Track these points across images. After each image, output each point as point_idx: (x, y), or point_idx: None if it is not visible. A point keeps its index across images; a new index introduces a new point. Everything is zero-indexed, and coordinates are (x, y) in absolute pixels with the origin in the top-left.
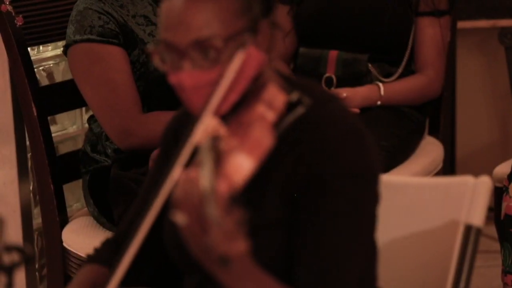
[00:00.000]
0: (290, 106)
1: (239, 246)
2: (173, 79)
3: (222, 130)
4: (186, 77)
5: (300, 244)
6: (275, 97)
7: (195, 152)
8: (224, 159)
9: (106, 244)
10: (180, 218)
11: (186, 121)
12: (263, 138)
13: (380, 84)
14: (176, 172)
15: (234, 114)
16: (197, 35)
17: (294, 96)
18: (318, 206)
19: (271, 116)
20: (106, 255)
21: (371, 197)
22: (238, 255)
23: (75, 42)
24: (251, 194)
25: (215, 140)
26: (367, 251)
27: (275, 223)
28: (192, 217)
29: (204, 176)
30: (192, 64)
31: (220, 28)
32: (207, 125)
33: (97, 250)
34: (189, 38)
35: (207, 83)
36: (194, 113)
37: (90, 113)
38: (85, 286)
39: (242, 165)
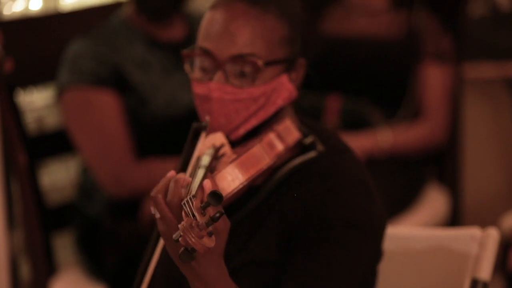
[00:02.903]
0: (303, 149)
1: (206, 242)
2: (200, 89)
3: (227, 148)
4: (215, 88)
5: (288, 285)
6: (288, 131)
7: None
8: (217, 168)
9: None
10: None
11: None
12: (260, 157)
13: (383, 136)
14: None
15: (245, 141)
16: (240, 50)
17: (309, 139)
18: (313, 252)
19: (279, 147)
20: None
21: (370, 252)
22: (203, 250)
23: (67, 86)
24: (247, 227)
25: (215, 152)
26: None
27: (268, 260)
28: (168, 214)
29: (193, 183)
30: (226, 77)
31: (264, 49)
32: (214, 140)
33: None
34: (231, 51)
35: (233, 100)
36: (211, 127)
37: (82, 162)
38: None
39: (231, 175)
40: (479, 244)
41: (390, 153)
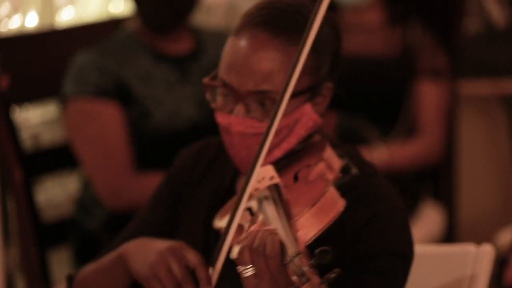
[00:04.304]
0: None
1: None
2: (221, 119)
3: (277, 181)
4: (236, 122)
5: None
6: (333, 159)
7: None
8: (292, 213)
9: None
10: (248, 268)
11: (211, 161)
12: (336, 201)
13: (379, 152)
14: (236, 220)
15: (286, 168)
16: (259, 86)
17: (344, 162)
18: (356, 280)
19: (330, 177)
20: None
21: (405, 279)
22: None
23: (71, 97)
24: None
25: (275, 189)
26: None
27: None
28: (265, 268)
29: (284, 234)
30: (246, 111)
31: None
32: (264, 174)
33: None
34: (250, 86)
35: (254, 134)
36: (234, 159)
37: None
38: None
39: (312, 227)
40: (474, 260)
41: (385, 170)
